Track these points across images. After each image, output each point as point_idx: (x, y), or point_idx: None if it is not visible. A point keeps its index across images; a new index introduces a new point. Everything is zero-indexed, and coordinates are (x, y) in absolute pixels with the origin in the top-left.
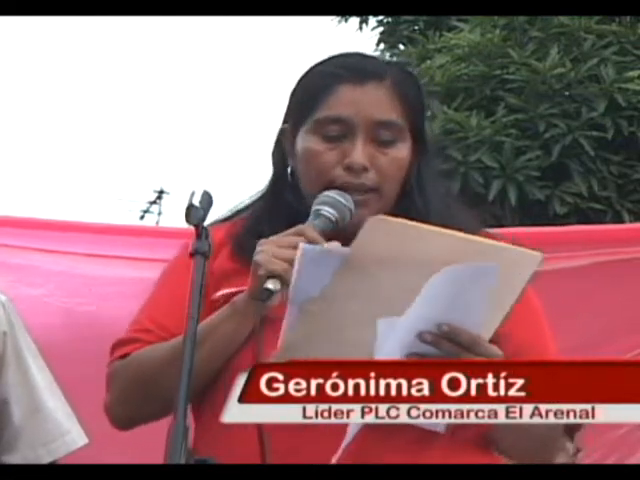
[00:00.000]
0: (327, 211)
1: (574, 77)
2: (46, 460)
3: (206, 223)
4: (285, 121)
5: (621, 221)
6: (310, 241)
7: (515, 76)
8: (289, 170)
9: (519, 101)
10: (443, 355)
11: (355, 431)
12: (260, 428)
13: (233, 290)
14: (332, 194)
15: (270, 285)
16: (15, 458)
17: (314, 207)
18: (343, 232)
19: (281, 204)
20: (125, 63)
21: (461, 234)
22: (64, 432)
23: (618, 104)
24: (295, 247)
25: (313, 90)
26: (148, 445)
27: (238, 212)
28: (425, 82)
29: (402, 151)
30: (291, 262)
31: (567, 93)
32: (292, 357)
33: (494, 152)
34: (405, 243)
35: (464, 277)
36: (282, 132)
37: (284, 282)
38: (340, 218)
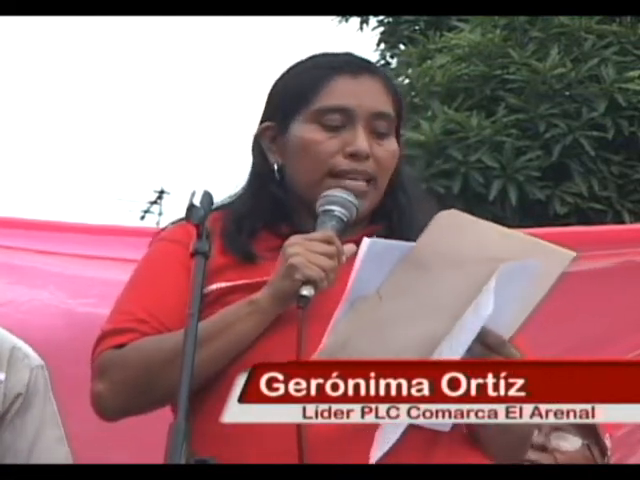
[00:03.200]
0: (340, 212)
1: (574, 77)
2: None
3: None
4: (266, 119)
5: (621, 221)
6: (340, 253)
7: (515, 76)
8: (275, 167)
9: (519, 101)
10: (469, 356)
11: (400, 431)
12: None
13: (229, 284)
14: (339, 193)
15: (306, 292)
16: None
17: (324, 207)
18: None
19: (267, 200)
20: (125, 63)
21: (513, 231)
22: None
23: (618, 104)
24: (330, 256)
25: (309, 82)
26: (148, 445)
27: (218, 208)
28: (426, 82)
29: (393, 144)
30: (326, 270)
31: (567, 93)
32: (335, 355)
33: (494, 152)
34: (469, 239)
35: (511, 275)
36: (263, 130)
37: (317, 288)
38: (350, 217)
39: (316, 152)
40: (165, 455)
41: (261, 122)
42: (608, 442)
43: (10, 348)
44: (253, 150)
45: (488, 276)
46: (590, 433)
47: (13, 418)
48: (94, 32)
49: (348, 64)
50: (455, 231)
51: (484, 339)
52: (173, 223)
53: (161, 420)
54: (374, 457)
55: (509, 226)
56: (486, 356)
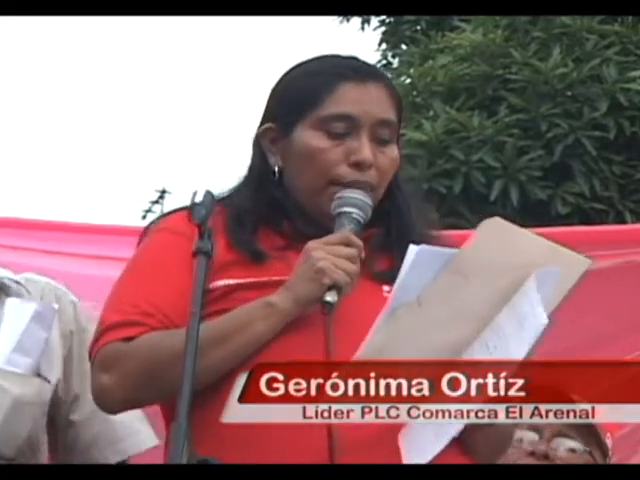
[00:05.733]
0: (358, 214)
1: (576, 77)
2: (114, 460)
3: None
4: (268, 121)
5: (623, 221)
6: (360, 254)
7: (517, 76)
8: (275, 169)
9: (521, 101)
10: None
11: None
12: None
13: (237, 282)
14: (357, 195)
15: (329, 298)
16: (78, 457)
17: (341, 209)
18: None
19: (266, 201)
20: (127, 63)
21: (536, 236)
22: (133, 432)
23: (620, 104)
24: (353, 260)
25: (314, 87)
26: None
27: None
28: (427, 82)
29: (395, 150)
30: (351, 274)
31: (569, 93)
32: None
33: (496, 152)
34: (510, 246)
35: (536, 282)
36: (264, 131)
37: (341, 294)
38: (366, 219)
39: (320, 160)
40: (165, 455)
41: (262, 122)
42: (609, 442)
43: (54, 286)
44: (253, 150)
45: (517, 281)
46: (591, 437)
47: (72, 355)
48: (95, 32)
49: (354, 70)
50: (498, 239)
51: None
52: (169, 213)
53: (162, 421)
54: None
55: None
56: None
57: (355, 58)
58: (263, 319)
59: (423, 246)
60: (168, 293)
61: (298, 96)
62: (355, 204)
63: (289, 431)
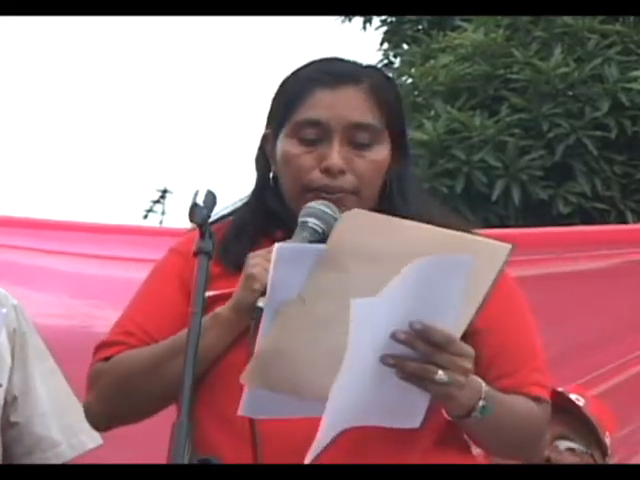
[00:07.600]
0: (314, 223)
1: (578, 77)
2: (55, 462)
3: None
4: (267, 126)
5: (625, 221)
6: None
7: (519, 76)
8: (271, 175)
9: (523, 101)
10: (417, 356)
11: (332, 434)
12: (252, 424)
13: (214, 293)
14: (317, 205)
15: (261, 303)
16: (19, 459)
17: (301, 219)
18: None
19: (264, 210)
20: (128, 63)
21: (435, 227)
22: (54, 444)
23: (622, 104)
24: None
25: (291, 94)
26: (150, 444)
27: (222, 217)
28: (429, 81)
29: (380, 154)
30: None
31: (571, 93)
32: (268, 364)
33: (498, 152)
34: (382, 236)
35: (438, 270)
36: (264, 137)
37: None
38: (327, 229)
39: (294, 167)
40: (168, 454)
41: (265, 128)
42: (608, 441)
43: None
44: (257, 157)
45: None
46: (591, 438)
47: (15, 355)
48: (95, 32)
49: (330, 74)
50: (365, 230)
51: (430, 337)
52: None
53: (163, 421)
54: (307, 459)
55: (512, 226)
56: (434, 355)
57: (341, 60)
58: (211, 329)
59: (282, 244)
60: (152, 310)
61: (282, 103)
62: (314, 214)
63: (211, 434)
